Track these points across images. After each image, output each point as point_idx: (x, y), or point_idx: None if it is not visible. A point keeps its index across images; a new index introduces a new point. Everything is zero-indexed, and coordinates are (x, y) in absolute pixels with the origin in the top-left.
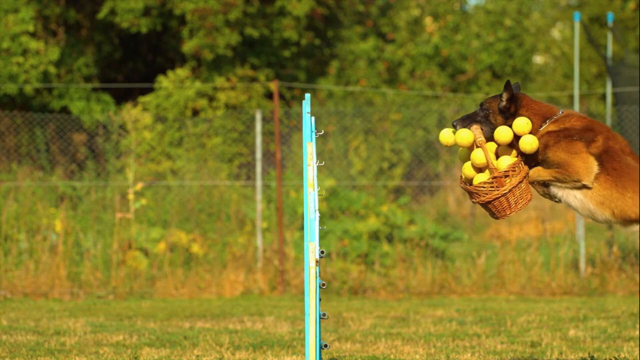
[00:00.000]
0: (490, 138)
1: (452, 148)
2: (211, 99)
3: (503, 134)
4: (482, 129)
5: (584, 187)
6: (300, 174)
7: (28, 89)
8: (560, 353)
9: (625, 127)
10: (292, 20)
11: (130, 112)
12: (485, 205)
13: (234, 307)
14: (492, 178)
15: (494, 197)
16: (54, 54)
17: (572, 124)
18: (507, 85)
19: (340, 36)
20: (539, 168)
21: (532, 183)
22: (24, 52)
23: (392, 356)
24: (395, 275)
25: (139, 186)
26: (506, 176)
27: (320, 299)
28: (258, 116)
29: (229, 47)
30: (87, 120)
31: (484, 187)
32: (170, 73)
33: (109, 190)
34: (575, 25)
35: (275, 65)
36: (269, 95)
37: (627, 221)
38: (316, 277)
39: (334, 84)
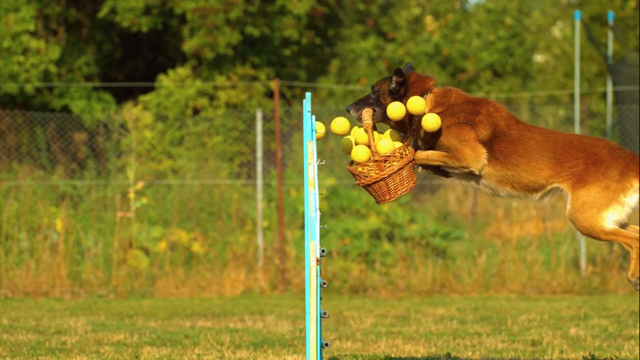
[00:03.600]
0: (383, 120)
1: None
2: (212, 97)
3: (394, 109)
4: (374, 111)
5: (472, 173)
6: (300, 172)
7: (29, 88)
8: (561, 352)
9: (625, 126)
10: (293, 19)
11: (131, 111)
12: (367, 188)
13: (234, 306)
14: (373, 162)
15: (372, 180)
16: (55, 53)
17: (454, 101)
18: (398, 71)
19: (340, 35)
20: (428, 152)
21: (422, 166)
22: (25, 51)
23: (392, 355)
24: (396, 274)
25: (140, 185)
26: (386, 161)
27: (321, 298)
28: (259, 115)
29: (230, 46)
30: (88, 119)
31: (363, 170)
32: (170, 72)
33: (109, 189)
34: (575, 24)
35: (275, 64)
36: (269, 94)
37: (528, 191)
38: (317, 276)
39: (335, 82)
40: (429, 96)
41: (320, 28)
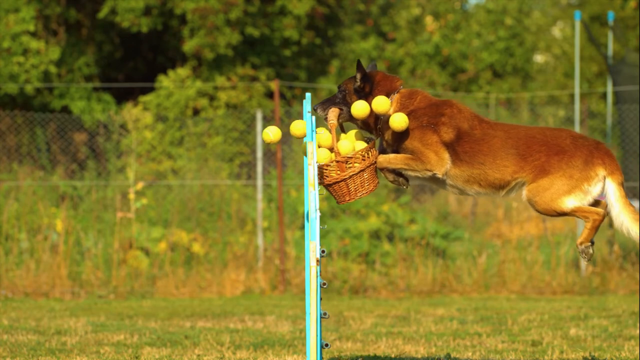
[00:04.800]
0: (350, 119)
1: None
2: (212, 98)
3: (358, 108)
4: (341, 110)
5: (435, 175)
6: (300, 173)
7: (29, 89)
8: (561, 352)
9: (626, 126)
10: (293, 19)
11: (131, 112)
12: (327, 188)
13: (234, 307)
14: (335, 162)
15: (333, 180)
16: (55, 53)
17: (418, 104)
18: (359, 65)
19: (341, 35)
20: (390, 155)
21: (382, 170)
22: (25, 52)
23: (393, 355)
24: (396, 275)
25: (140, 185)
26: (347, 162)
27: (321, 298)
28: (259, 115)
29: (230, 47)
30: (88, 119)
31: (326, 169)
32: (171, 72)
33: (109, 189)
34: (575, 24)
35: (276, 64)
36: (269, 95)
37: (495, 188)
38: (317, 276)
39: (335, 83)
40: (395, 96)
41: (320, 28)
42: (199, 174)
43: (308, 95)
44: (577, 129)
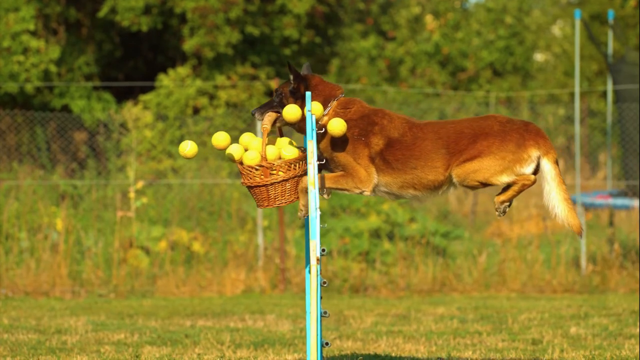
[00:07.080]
0: (288, 123)
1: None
2: (212, 97)
3: (288, 112)
4: (279, 114)
5: (363, 193)
6: None
7: (29, 88)
8: (562, 351)
9: (626, 125)
10: (293, 18)
11: (131, 111)
12: (249, 189)
13: (235, 306)
14: (259, 166)
15: (254, 184)
16: (55, 52)
17: (352, 115)
18: (290, 67)
19: (341, 34)
20: (320, 175)
21: (301, 191)
22: (25, 51)
23: (393, 354)
24: (396, 273)
25: (140, 185)
26: (272, 168)
27: (321, 297)
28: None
29: (230, 46)
30: (88, 118)
31: (252, 172)
32: (171, 71)
33: (110, 188)
34: (575, 23)
35: (276, 63)
36: (269, 94)
37: (429, 189)
38: (317, 275)
39: (335, 82)
40: (333, 104)
41: (320, 27)
42: (199, 173)
43: (308, 94)
44: (577, 127)
